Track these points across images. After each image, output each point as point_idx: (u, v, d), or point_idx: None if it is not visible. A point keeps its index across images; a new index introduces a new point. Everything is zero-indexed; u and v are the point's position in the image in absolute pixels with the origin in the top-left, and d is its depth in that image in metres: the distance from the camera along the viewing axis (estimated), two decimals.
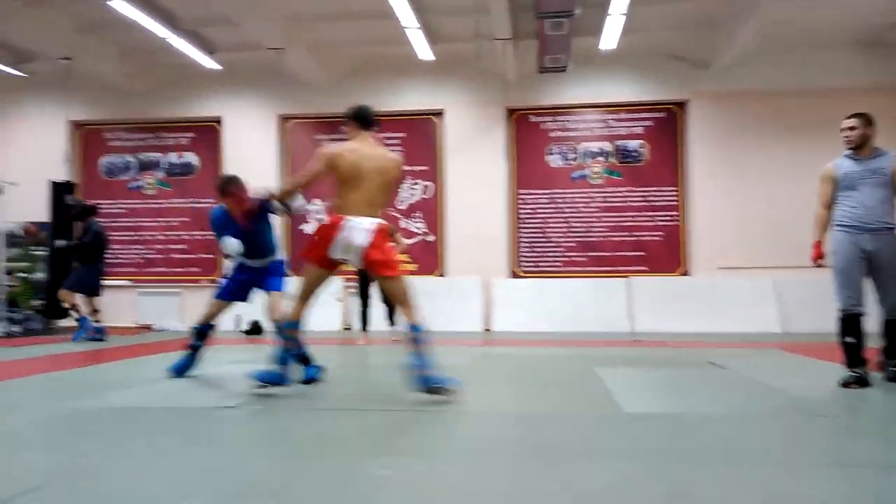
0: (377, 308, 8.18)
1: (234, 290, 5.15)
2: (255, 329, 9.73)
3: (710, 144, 10.23)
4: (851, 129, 4.32)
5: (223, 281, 5.30)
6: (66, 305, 8.31)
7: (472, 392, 4.42)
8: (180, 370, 4.98)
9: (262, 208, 4.87)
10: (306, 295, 4.11)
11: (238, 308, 10.34)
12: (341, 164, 3.94)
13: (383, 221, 4.02)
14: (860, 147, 4.29)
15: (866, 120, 4.33)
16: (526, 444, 2.95)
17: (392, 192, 4.21)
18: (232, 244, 4.73)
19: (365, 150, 4.06)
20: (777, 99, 10.02)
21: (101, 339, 8.13)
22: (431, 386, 3.77)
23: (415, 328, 3.85)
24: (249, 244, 4.88)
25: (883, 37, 9.70)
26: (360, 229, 3.86)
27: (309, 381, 4.53)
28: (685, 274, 10.33)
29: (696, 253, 10.22)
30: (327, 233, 3.91)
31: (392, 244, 4.24)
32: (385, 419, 3.44)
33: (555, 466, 2.53)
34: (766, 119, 10.09)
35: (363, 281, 8.26)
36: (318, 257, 3.96)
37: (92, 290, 8.33)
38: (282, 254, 5.36)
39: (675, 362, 5.94)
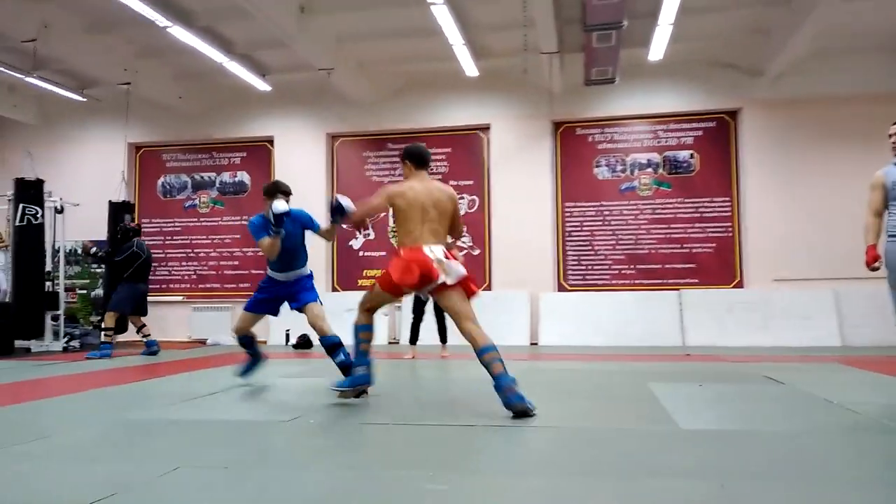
0: (429, 324, 8.20)
1: (263, 303, 5.33)
2: (304, 343, 9.87)
3: (765, 153, 9.98)
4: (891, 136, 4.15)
5: (254, 294, 5.44)
6: (104, 325, 8.40)
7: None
8: (245, 373, 5.63)
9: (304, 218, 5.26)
10: (373, 309, 4.43)
11: (287, 323, 10.59)
12: (401, 202, 4.25)
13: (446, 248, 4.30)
14: None
15: None
16: (583, 461, 2.90)
17: (451, 221, 4.41)
18: (281, 203, 4.84)
19: (423, 186, 4.33)
20: (833, 105, 9.73)
21: (154, 353, 8.42)
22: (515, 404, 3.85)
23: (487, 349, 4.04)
24: (284, 255, 5.09)
25: None
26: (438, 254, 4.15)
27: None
28: (739, 286, 10.07)
29: (750, 265, 9.95)
30: (421, 264, 4.11)
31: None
32: (437, 434, 3.44)
33: (617, 484, 2.48)
34: (823, 126, 9.81)
35: (418, 296, 8.27)
36: (407, 285, 4.20)
37: (127, 308, 8.44)
38: (309, 269, 5.48)
39: (730, 377, 5.78)
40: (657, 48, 9.02)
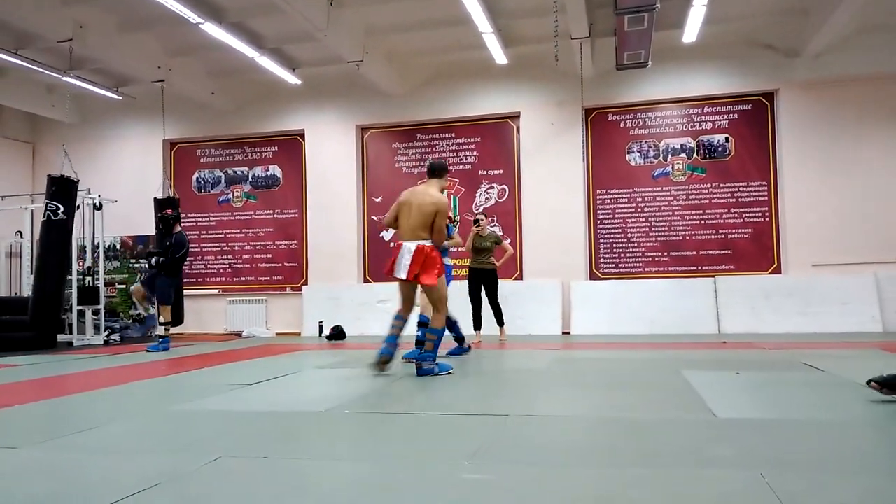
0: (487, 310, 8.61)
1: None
2: (338, 335, 9.97)
3: (803, 135, 9.74)
4: None
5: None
6: (161, 319, 8.45)
7: (557, 396, 4.39)
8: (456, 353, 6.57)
9: None
10: (402, 300, 5.50)
11: (321, 314, 10.71)
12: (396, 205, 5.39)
13: (424, 244, 5.16)
14: None
15: None
16: (621, 450, 2.88)
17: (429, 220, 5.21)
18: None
19: (418, 189, 5.42)
20: (874, 85, 9.44)
21: (164, 350, 8.21)
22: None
23: (435, 331, 5.24)
24: None
25: None
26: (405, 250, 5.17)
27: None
28: (776, 272, 9.87)
29: (788, 250, 9.75)
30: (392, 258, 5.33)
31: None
32: (473, 423, 3.46)
33: (657, 474, 2.46)
34: (863, 107, 9.52)
35: (474, 284, 8.65)
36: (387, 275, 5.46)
37: (171, 298, 8.41)
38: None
39: (767, 365, 5.68)
40: (691, 30, 8.85)
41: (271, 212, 11.87)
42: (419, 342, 5.79)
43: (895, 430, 3.06)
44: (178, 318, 9.87)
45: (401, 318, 5.39)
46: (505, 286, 10.39)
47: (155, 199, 10.63)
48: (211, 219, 12.13)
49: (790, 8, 9.04)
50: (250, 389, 4.80)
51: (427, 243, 5.15)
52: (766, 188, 10.01)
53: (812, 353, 6.34)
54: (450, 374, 5.28)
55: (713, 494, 2.23)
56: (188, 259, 11.94)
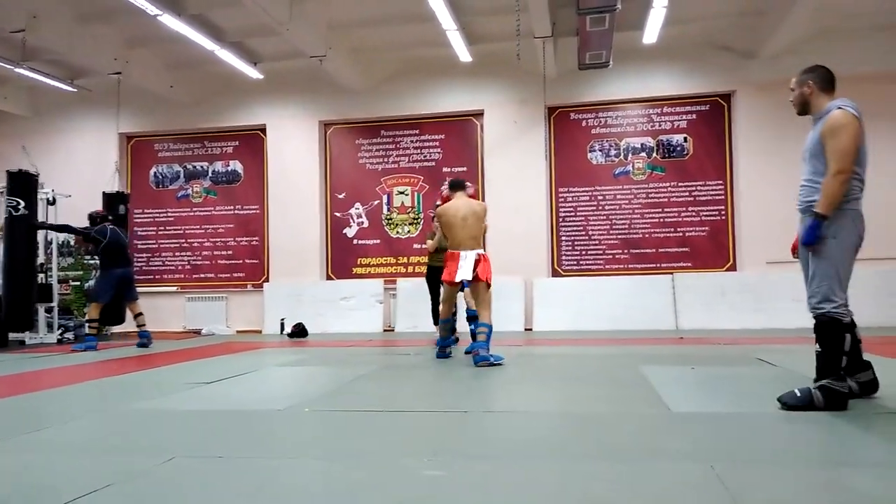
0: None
1: None
2: (299, 332, 9.89)
3: (758, 136, 9.99)
4: (791, 90, 3.74)
5: None
6: (88, 316, 8.23)
7: (517, 392, 4.43)
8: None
9: None
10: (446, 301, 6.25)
11: (282, 313, 10.62)
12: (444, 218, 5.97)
13: (482, 252, 5.90)
14: (803, 112, 3.69)
15: (802, 76, 3.68)
16: (579, 445, 2.93)
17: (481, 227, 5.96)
18: None
19: (462, 203, 5.98)
20: None
21: (144, 345, 8.17)
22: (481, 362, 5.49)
23: (487, 325, 5.71)
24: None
25: None
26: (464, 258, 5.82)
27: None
28: (732, 269, 10.11)
29: (743, 248, 9.99)
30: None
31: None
32: (432, 421, 3.47)
33: (613, 467, 2.51)
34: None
35: (435, 281, 8.73)
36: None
37: (106, 296, 8.14)
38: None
39: (721, 360, 5.82)
40: (651, 31, 8.98)
41: (232, 208, 11.69)
42: (475, 335, 6.20)
43: (841, 424, 3.16)
44: (117, 318, 9.60)
45: (449, 321, 6.34)
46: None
47: (104, 193, 10.35)
48: (169, 214, 11.89)
49: (747, 10, 9.24)
50: (208, 388, 4.74)
51: (482, 252, 5.92)
52: (722, 187, 10.24)
53: (765, 348, 6.52)
54: (500, 364, 5.59)
55: (666, 487, 2.27)
56: (145, 256, 11.76)
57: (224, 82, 11.28)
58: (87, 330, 8.25)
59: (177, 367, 6.19)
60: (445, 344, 6.32)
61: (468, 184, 6.38)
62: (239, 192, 11.70)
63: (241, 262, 11.60)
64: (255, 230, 11.59)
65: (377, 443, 3.01)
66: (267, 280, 11.36)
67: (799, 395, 3.47)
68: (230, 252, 11.66)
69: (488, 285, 5.85)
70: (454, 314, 6.66)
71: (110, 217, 8.58)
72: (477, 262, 5.76)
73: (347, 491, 2.31)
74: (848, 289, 3.44)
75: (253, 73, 10.47)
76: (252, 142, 11.70)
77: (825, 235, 3.41)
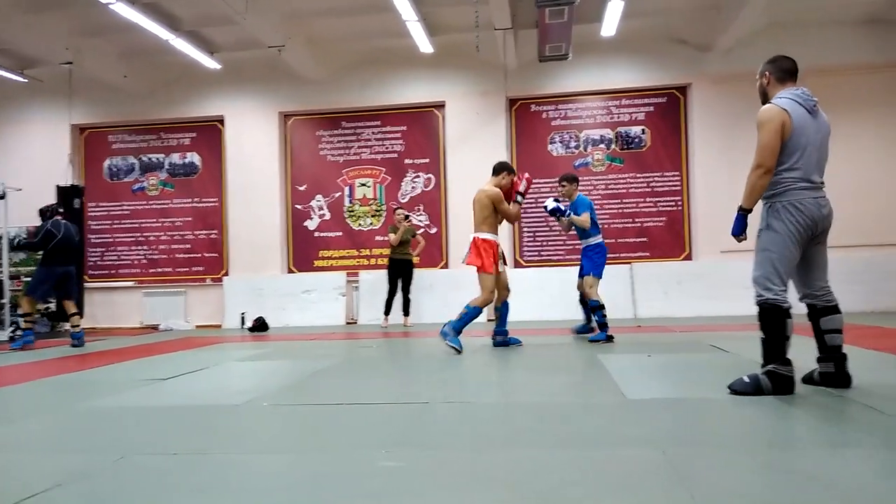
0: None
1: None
2: (260, 326, 9.80)
3: (713, 127, 10.20)
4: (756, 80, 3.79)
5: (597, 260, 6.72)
6: (20, 311, 7.96)
7: (477, 382, 4.47)
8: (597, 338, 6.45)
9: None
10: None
11: (242, 307, 10.50)
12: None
13: (479, 236, 5.95)
14: (765, 101, 3.72)
15: (762, 66, 3.76)
16: (536, 434, 2.97)
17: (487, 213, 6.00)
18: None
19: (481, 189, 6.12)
20: None
21: (76, 346, 7.75)
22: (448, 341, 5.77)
23: (470, 308, 5.81)
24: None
25: (885, 14, 9.64)
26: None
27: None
28: (688, 258, 10.33)
29: (698, 237, 10.21)
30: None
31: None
32: (391, 412, 3.48)
33: (569, 455, 2.55)
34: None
35: (392, 273, 9.45)
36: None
37: (39, 292, 7.86)
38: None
39: (676, 347, 5.96)
40: (609, 24, 9.09)
41: (189, 200, 11.49)
42: (601, 325, 6.39)
43: (789, 408, 3.26)
44: (61, 313, 9.27)
45: (498, 310, 6.24)
46: (431, 275, 10.51)
47: (58, 186, 10.07)
48: (125, 208, 11.63)
49: (703, 4, 9.41)
50: (165, 384, 4.66)
51: (483, 236, 5.95)
52: (679, 178, 10.44)
53: (719, 335, 6.69)
54: (458, 351, 5.71)
55: (618, 473, 2.33)
56: (100, 250, 11.48)
57: (180, 72, 11.05)
58: (22, 325, 7.90)
59: (133, 364, 6.07)
60: (497, 333, 6.32)
61: (506, 171, 6.22)
62: (196, 185, 11.50)
63: (199, 255, 11.42)
64: (214, 223, 11.41)
65: (336, 436, 3.01)
66: (226, 274, 11.20)
67: (747, 381, 3.58)
68: (188, 245, 11.46)
69: (482, 272, 5.91)
70: (504, 304, 6.29)
71: (61, 210, 8.33)
72: (473, 247, 5.94)
73: (303, 484, 2.31)
74: (789, 277, 3.54)
75: (210, 63, 10.28)
76: (210, 133, 11.50)
77: (765, 227, 3.54)
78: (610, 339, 6.34)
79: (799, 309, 3.65)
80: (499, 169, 6.20)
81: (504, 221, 6.20)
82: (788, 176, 3.50)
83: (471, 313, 5.80)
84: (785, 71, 3.67)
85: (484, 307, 5.92)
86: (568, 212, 6.55)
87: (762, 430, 2.95)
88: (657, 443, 2.66)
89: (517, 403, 3.70)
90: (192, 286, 11.31)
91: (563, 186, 6.73)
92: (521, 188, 6.10)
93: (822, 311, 3.59)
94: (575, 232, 6.89)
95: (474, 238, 5.99)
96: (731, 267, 9.79)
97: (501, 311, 6.22)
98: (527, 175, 6.24)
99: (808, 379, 3.71)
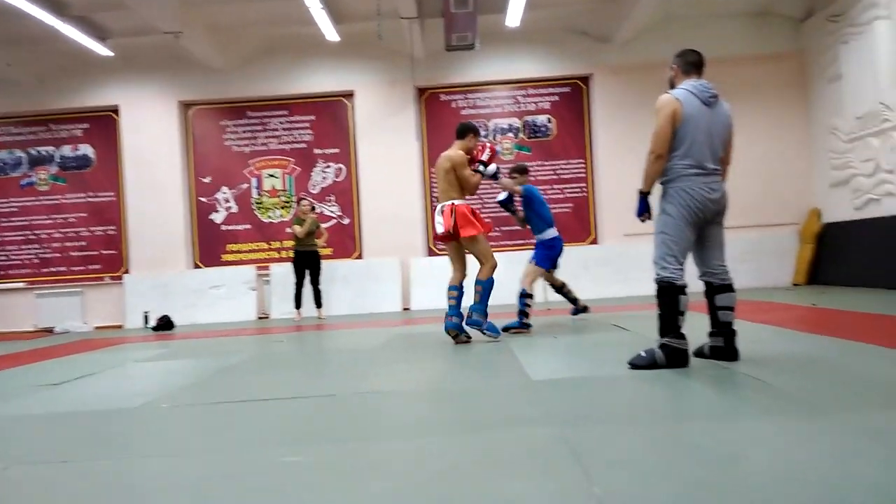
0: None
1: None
2: (165, 325, 9.42)
3: (613, 116, 10.55)
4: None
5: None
6: None
7: (387, 373, 4.47)
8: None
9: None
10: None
11: (145, 305, 10.08)
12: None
13: (454, 202, 5.38)
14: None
15: (672, 59, 3.98)
16: (441, 419, 3.01)
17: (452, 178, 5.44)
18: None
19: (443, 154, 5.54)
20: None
21: None
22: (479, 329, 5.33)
23: (481, 282, 5.38)
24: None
25: (770, 7, 10.24)
26: (438, 212, 5.49)
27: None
28: (594, 242, 10.69)
29: (603, 222, 10.57)
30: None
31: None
32: (295, 407, 3.43)
33: (472, 438, 2.60)
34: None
35: (300, 266, 9.27)
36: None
37: None
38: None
39: (582, 328, 6.17)
40: (514, 14, 9.22)
41: (84, 195, 10.86)
42: (521, 312, 6.02)
43: (682, 381, 3.44)
44: None
45: (455, 289, 5.50)
46: (345, 266, 10.41)
47: None
48: (13, 204, 10.87)
49: None
50: (58, 389, 4.41)
51: (458, 202, 5.38)
52: (583, 165, 10.76)
53: (622, 315, 6.98)
54: (496, 339, 5.28)
55: (518, 452, 2.39)
56: None
57: (70, 60, 10.38)
58: None
59: (23, 369, 5.70)
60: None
61: (472, 132, 5.58)
62: (91, 179, 10.88)
63: (96, 253, 10.83)
64: (112, 218, 10.84)
65: (237, 434, 2.94)
66: (127, 271, 10.68)
67: (644, 355, 3.75)
68: (84, 243, 10.84)
69: (471, 239, 5.40)
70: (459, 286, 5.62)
71: None
72: (449, 216, 5.35)
73: (198, 486, 2.25)
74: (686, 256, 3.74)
75: (102, 51, 9.73)
76: (104, 124, 10.89)
77: (661, 211, 3.74)
78: (525, 326, 6.02)
79: (698, 287, 3.85)
80: (464, 131, 5.55)
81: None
82: (680, 163, 3.69)
83: (486, 288, 5.36)
84: (690, 63, 3.87)
85: (493, 273, 5.45)
86: (518, 205, 6.35)
87: (655, 404, 3.10)
88: (556, 421, 2.75)
89: (423, 391, 3.73)
90: (90, 285, 10.72)
91: (514, 178, 6.44)
92: (485, 157, 5.59)
93: (718, 288, 3.80)
94: (529, 227, 6.64)
95: (451, 205, 5.37)
96: (635, 249, 10.21)
97: (460, 293, 5.53)
98: (489, 143, 5.81)
99: (699, 353, 3.92)
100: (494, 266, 5.47)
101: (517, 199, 6.38)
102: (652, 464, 2.19)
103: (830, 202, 9.86)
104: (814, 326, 5.44)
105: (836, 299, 7.39)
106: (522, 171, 6.52)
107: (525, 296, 6.15)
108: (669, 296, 3.67)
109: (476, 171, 5.57)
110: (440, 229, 5.47)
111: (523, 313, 6.05)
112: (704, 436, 2.45)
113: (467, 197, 5.52)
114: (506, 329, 5.90)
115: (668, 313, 3.68)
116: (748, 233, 10.12)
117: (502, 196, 6.33)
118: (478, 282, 5.39)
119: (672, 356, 3.67)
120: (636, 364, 3.75)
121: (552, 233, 6.47)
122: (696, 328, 3.99)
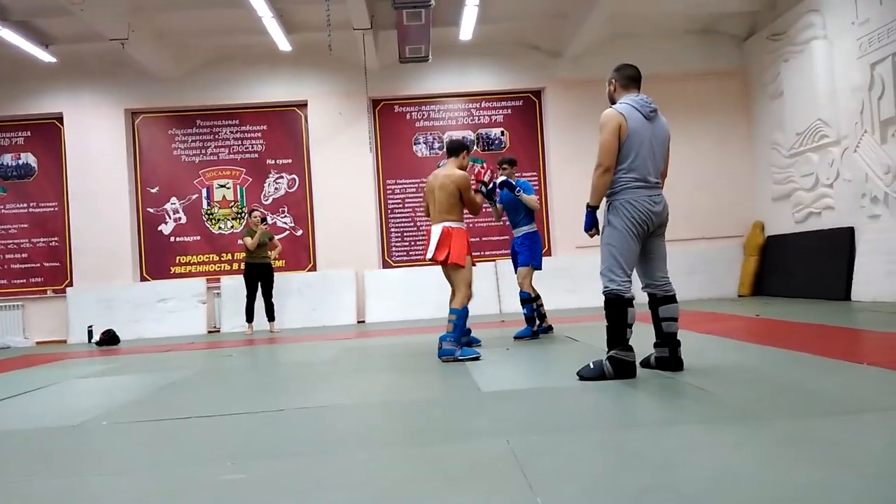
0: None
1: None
2: (110, 339, 9.15)
3: (565, 130, 10.72)
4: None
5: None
6: None
7: (337, 386, 4.42)
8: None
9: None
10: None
11: (90, 320, 9.78)
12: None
13: (450, 225, 5.24)
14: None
15: (610, 74, 4.00)
16: (389, 432, 2.99)
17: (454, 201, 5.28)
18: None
19: (439, 173, 5.40)
20: None
21: None
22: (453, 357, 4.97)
23: (455, 311, 5.19)
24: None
25: (715, 25, 10.59)
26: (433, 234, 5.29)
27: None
28: (548, 254, 10.80)
29: (557, 234, 10.71)
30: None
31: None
32: (243, 423, 3.36)
33: (420, 451, 2.59)
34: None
35: (251, 278, 9.11)
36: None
37: None
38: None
39: (534, 340, 6.21)
40: (466, 28, 9.32)
41: (25, 205, 10.50)
42: (528, 319, 6.10)
43: (627, 391, 3.50)
44: None
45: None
46: (298, 278, 10.30)
47: None
48: None
49: (552, 12, 9.87)
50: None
51: (453, 224, 5.27)
52: (537, 178, 10.90)
53: (573, 326, 7.06)
54: (476, 359, 4.97)
55: (463, 463, 2.39)
56: None
57: (10, 66, 10.06)
58: None
59: None
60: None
61: (466, 150, 5.48)
62: (33, 188, 10.52)
63: (38, 265, 10.46)
64: (55, 230, 10.50)
65: (178, 452, 2.87)
66: (70, 284, 10.34)
67: (592, 367, 3.81)
68: (25, 255, 10.46)
69: (456, 266, 5.28)
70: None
71: None
72: (445, 241, 5.21)
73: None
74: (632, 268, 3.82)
75: (44, 57, 9.46)
76: (46, 132, 10.56)
77: (606, 223, 3.81)
78: (536, 335, 6.03)
79: (643, 298, 3.93)
80: (457, 148, 5.42)
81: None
82: (624, 176, 3.76)
83: (460, 316, 5.20)
84: (628, 78, 3.94)
85: (467, 303, 5.29)
86: (518, 189, 6.18)
87: (602, 414, 3.14)
88: (504, 432, 2.76)
89: (373, 404, 3.70)
90: (31, 299, 10.35)
91: (505, 169, 6.38)
92: (486, 178, 5.64)
93: (662, 300, 3.87)
94: (507, 220, 6.54)
95: (444, 228, 5.23)
96: (586, 261, 10.35)
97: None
98: (489, 166, 5.91)
99: (645, 363, 3.99)
100: (470, 297, 5.35)
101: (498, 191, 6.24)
102: (595, 472, 2.22)
103: (773, 215, 10.20)
104: (757, 337, 5.60)
105: (779, 310, 7.63)
106: (512, 163, 6.52)
107: (528, 300, 6.22)
108: (617, 308, 3.74)
109: (478, 191, 5.63)
110: (429, 254, 5.33)
111: (531, 320, 6.16)
112: (646, 443, 2.50)
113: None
114: (517, 338, 6.13)
115: (615, 326, 3.74)
116: (696, 245, 10.39)
117: (486, 184, 6.03)
118: (452, 310, 5.25)
119: (619, 368, 3.73)
120: (584, 376, 3.80)
121: (534, 227, 6.51)
122: (643, 338, 4.06)
